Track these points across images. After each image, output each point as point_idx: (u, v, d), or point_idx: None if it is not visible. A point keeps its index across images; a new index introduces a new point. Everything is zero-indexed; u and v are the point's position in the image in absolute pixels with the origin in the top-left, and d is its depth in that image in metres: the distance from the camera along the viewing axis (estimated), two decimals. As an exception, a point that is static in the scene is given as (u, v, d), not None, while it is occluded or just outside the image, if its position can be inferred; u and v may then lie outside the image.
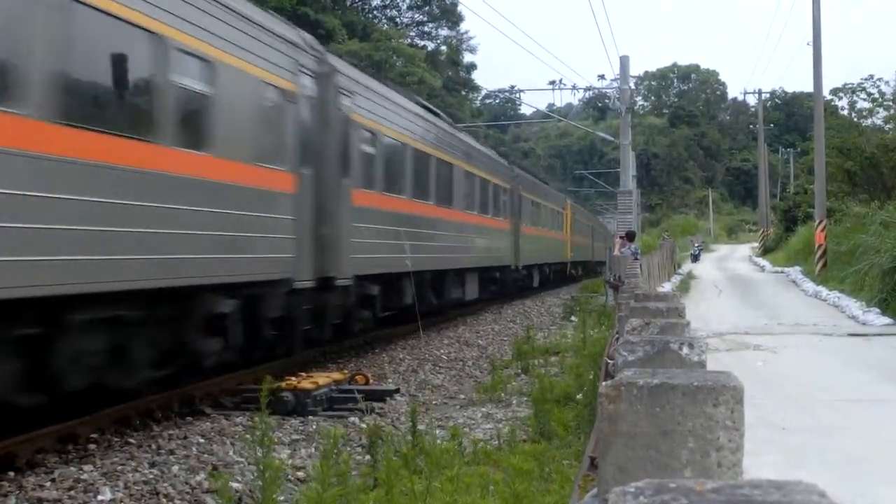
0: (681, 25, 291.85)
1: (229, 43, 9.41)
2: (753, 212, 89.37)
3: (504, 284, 26.96)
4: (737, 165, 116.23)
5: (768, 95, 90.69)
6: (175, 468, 7.45)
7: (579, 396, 9.83)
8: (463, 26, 63.34)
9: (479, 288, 22.63)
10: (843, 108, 38.42)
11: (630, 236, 23.33)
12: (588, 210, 58.07)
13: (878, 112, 35.34)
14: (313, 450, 8.32)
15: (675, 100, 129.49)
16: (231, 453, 8.03)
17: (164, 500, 6.74)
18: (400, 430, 9.09)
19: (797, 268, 31.12)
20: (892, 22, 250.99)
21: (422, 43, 59.08)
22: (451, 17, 60.17)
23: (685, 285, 28.54)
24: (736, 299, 23.47)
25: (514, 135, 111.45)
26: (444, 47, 61.62)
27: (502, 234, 25.48)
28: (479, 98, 79.16)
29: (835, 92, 38.18)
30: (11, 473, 6.95)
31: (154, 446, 8.10)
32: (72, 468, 7.21)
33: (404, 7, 60.36)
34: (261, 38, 10.35)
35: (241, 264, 9.79)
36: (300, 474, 7.59)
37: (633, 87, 35.27)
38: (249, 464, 7.45)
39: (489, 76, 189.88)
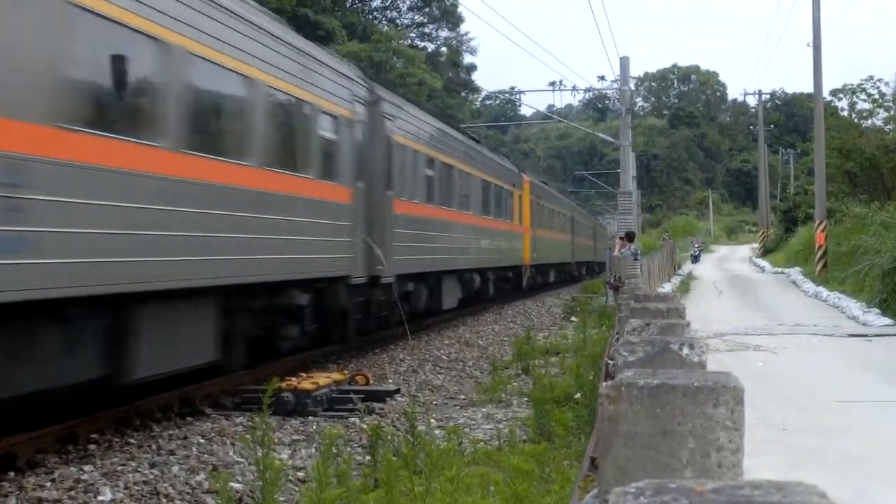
0: (681, 26, 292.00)
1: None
2: (753, 213, 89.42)
3: (337, 317, 13.51)
4: (737, 166, 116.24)
5: (768, 96, 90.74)
6: (175, 468, 7.45)
7: (579, 397, 9.82)
8: (463, 27, 63.56)
9: (230, 340, 10.29)
10: (843, 109, 38.48)
11: (630, 237, 23.33)
12: (565, 195, 45.47)
13: (878, 113, 35.39)
14: (313, 450, 8.32)
15: (676, 101, 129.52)
16: (231, 453, 8.04)
17: (164, 500, 6.74)
18: (400, 430, 9.09)
19: (797, 268, 31.14)
20: (893, 22, 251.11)
21: (422, 44, 59.15)
22: (452, 18, 60.20)
23: (685, 286, 28.55)
24: (736, 300, 23.47)
25: (515, 136, 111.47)
26: (444, 48, 61.67)
27: (328, 212, 12.37)
28: (479, 99, 79.23)
29: (835, 93, 38.24)
30: (12, 473, 6.95)
31: (154, 446, 8.10)
32: (72, 468, 7.21)
33: (404, 8, 60.41)
34: None
35: None
36: (300, 475, 7.59)
37: (633, 88, 35.31)
38: (250, 464, 7.45)
39: (489, 77, 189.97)
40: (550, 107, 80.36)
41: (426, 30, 61.66)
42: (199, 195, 8.97)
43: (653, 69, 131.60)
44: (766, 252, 50.35)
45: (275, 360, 12.14)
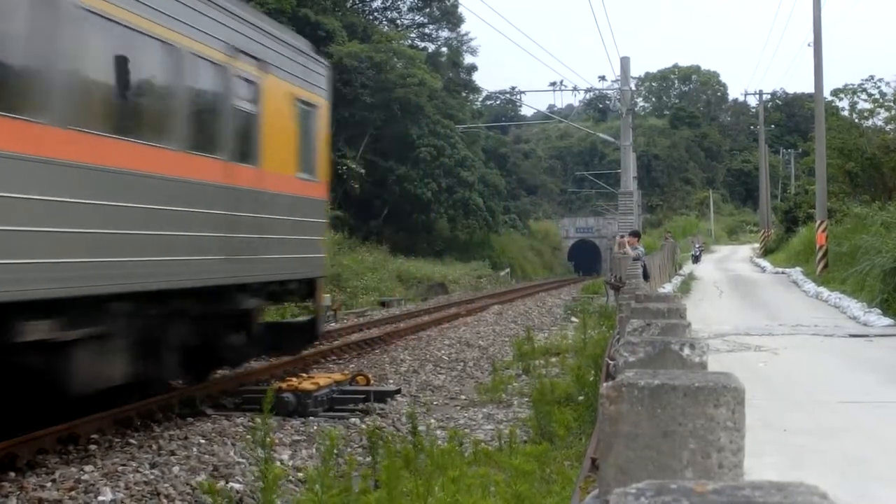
0: (681, 26, 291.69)
1: None
2: (754, 213, 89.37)
3: None
4: (738, 166, 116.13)
5: (769, 96, 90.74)
6: (176, 469, 7.45)
7: (580, 397, 9.82)
8: (463, 28, 63.45)
9: None
10: (843, 109, 38.39)
11: (636, 235, 23.35)
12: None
13: (878, 113, 35.27)
14: (314, 451, 8.33)
15: (676, 101, 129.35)
16: (232, 454, 8.03)
17: (164, 500, 6.74)
18: (401, 430, 9.10)
19: (798, 268, 31.08)
20: (894, 22, 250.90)
21: (422, 45, 59.06)
22: (452, 18, 60.12)
23: (686, 286, 28.50)
24: (737, 300, 23.43)
25: (515, 136, 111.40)
26: (444, 49, 61.61)
27: None
28: (480, 99, 79.13)
29: (835, 93, 38.11)
30: (12, 474, 6.95)
31: (155, 447, 8.10)
32: (73, 469, 7.22)
33: (405, 9, 60.33)
34: None
35: None
36: (301, 475, 7.59)
37: (633, 88, 35.19)
38: (250, 465, 7.45)
39: (490, 77, 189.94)
40: (551, 107, 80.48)
41: (426, 30, 61.59)
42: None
43: (653, 69, 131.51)
44: (766, 252, 50.26)
45: (275, 359, 12.14)
